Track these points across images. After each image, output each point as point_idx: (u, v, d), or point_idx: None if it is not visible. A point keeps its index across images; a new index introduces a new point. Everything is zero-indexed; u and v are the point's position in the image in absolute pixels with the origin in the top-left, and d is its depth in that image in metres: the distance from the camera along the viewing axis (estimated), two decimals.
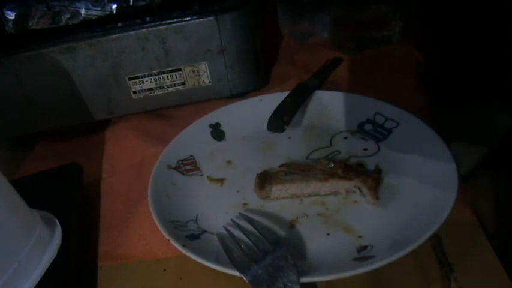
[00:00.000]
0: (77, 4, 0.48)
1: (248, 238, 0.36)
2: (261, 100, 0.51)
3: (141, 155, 0.49)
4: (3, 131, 0.54)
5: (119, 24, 0.49)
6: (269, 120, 0.47)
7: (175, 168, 0.44)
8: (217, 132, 0.49)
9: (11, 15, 0.47)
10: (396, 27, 0.59)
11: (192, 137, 0.48)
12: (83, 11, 0.48)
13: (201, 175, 0.45)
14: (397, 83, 0.53)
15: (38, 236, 0.35)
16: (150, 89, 0.53)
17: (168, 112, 0.56)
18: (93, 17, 0.49)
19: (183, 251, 0.34)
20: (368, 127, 0.46)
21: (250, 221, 0.37)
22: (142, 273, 0.38)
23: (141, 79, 0.52)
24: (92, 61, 0.49)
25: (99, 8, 0.48)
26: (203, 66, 0.52)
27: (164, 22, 0.48)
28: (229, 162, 0.46)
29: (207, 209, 0.41)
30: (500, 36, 0.50)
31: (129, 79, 0.51)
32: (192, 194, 0.42)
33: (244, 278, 0.31)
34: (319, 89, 0.52)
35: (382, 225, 0.36)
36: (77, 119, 0.54)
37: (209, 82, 0.53)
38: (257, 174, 0.43)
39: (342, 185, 0.40)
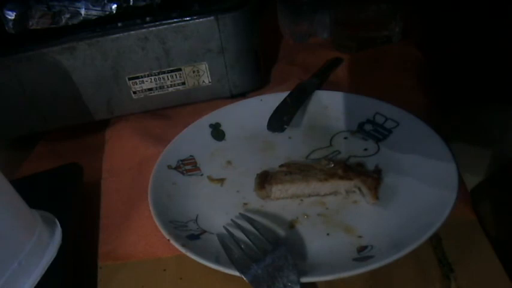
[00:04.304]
0: (77, 4, 0.48)
1: (248, 238, 0.36)
2: (261, 100, 0.51)
3: (141, 155, 0.49)
4: (3, 131, 0.54)
5: (119, 24, 0.49)
6: (269, 120, 0.47)
7: (175, 168, 0.44)
8: (217, 132, 0.49)
9: (11, 15, 0.47)
10: (396, 27, 0.59)
11: (192, 137, 0.48)
12: (83, 11, 0.48)
13: (201, 175, 0.45)
14: (397, 83, 0.53)
15: (38, 236, 0.35)
16: (150, 89, 0.53)
17: (168, 112, 0.56)
18: (93, 17, 0.49)
19: (183, 251, 0.34)
20: (368, 127, 0.46)
21: (250, 221, 0.37)
22: (142, 273, 0.38)
23: (141, 79, 0.52)
24: (92, 61, 0.49)
25: (99, 8, 0.48)
26: (203, 66, 0.52)
27: (164, 22, 0.48)
28: (229, 162, 0.46)
29: (207, 209, 0.41)
30: (501, 36, 0.50)
31: (129, 79, 0.51)
32: (192, 194, 0.42)
33: (244, 278, 0.31)
34: (319, 89, 0.52)
35: (382, 225, 0.36)
36: (77, 119, 0.54)
37: (209, 82, 0.53)
38: (257, 174, 0.43)
39: (342, 185, 0.40)
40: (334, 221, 0.38)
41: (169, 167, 0.44)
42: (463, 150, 0.42)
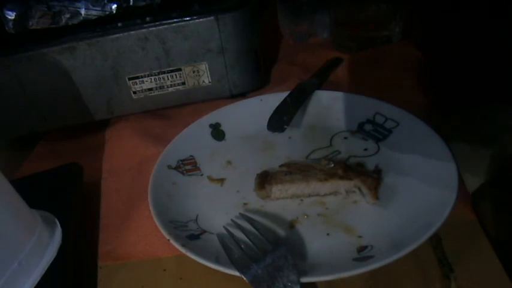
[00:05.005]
0: (77, 4, 0.48)
1: (248, 238, 0.36)
2: (261, 100, 0.51)
3: (141, 155, 0.49)
4: (3, 131, 0.54)
5: (119, 24, 0.49)
6: (269, 120, 0.47)
7: (175, 168, 0.44)
8: (217, 132, 0.49)
9: (11, 15, 0.47)
10: (396, 27, 0.59)
11: (192, 137, 0.48)
12: (83, 11, 0.48)
13: (201, 175, 0.45)
14: (397, 83, 0.53)
15: (38, 236, 0.35)
16: (150, 89, 0.53)
17: (168, 112, 0.56)
18: (93, 17, 0.49)
19: (183, 251, 0.34)
20: (368, 127, 0.46)
21: (250, 221, 0.37)
22: (142, 273, 0.38)
23: (141, 79, 0.52)
24: (92, 61, 0.49)
25: (99, 8, 0.48)
26: (203, 66, 0.52)
27: (164, 22, 0.48)
28: (229, 162, 0.46)
29: (207, 209, 0.41)
30: (501, 36, 0.50)
31: (129, 79, 0.51)
32: (192, 194, 0.42)
33: (244, 278, 0.31)
34: (319, 89, 0.52)
35: (382, 225, 0.36)
36: (77, 119, 0.54)
37: (209, 82, 0.53)
38: (257, 174, 0.43)
39: (342, 185, 0.40)
40: (334, 221, 0.38)
41: (169, 167, 0.44)
42: (463, 150, 0.42)
